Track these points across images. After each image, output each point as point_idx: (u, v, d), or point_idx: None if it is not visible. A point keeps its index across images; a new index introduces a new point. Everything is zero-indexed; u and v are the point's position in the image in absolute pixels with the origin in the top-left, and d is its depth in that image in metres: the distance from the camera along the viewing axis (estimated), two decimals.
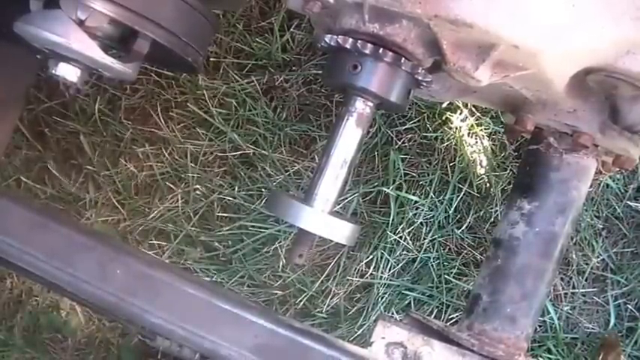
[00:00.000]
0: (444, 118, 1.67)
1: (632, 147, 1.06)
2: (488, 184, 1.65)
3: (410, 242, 1.63)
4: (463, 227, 1.64)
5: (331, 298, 1.63)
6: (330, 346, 0.98)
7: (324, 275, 1.64)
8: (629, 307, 1.64)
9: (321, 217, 0.95)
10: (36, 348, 1.67)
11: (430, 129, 1.66)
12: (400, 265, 1.63)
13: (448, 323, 1.35)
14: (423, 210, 1.63)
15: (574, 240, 1.64)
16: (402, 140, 1.66)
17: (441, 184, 1.65)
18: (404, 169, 1.64)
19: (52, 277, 1.00)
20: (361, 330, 1.60)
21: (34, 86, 1.70)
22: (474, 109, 1.67)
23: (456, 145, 1.66)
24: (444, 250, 1.65)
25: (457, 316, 1.60)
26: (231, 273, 1.64)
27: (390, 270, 1.62)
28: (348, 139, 0.96)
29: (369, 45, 0.90)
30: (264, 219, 1.64)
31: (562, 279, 1.64)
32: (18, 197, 1.15)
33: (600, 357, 1.59)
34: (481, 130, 1.67)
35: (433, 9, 0.85)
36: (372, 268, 1.62)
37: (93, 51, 0.91)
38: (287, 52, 1.70)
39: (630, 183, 1.67)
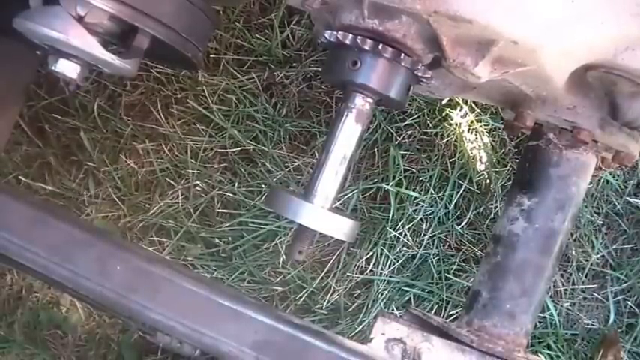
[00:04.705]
0: (444, 114, 1.67)
1: (631, 143, 1.06)
2: (488, 181, 1.65)
3: (410, 238, 1.63)
4: (463, 223, 1.64)
5: (331, 295, 1.63)
6: (329, 342, 0.98)
7: (324, 271, 1.64)
8: (629, 303, 1.64)
9: (321, 214, 0.95)
10: (36, 344, 1.67)
11: (430, 125, 1.66)
12: (400, 262, 1.63)
13: (448, 319, 1.36)
14: (423, 206, 1.64)
15: (574, 236, 1.64)
16: (402, 136, 1.66)
17: (441, 181, 1.65)
18: (404, 166, 1.64)
19: (52, 273, 1.00)
20: (361, 326, 1.60)
21: (34, 82, 1.69)
22: (473, 106, 1.67)
23: (456, 141, 1.66)
24: (443, 246, 1.65)
25: (457, 312, 1.61)
26: (231, 269, 1.64)
27: (390, 266, 1.62)
28: (348, 135, 0.96)
29: (369, 41, 0.90)
30: (264, 215, 1.64)
31: (562, 275, 1.65)
32: (18, 193, 1.15)
33: (600, 353, 1.59)
34: (481, 126, 1.67)
35: (433, 5, 0.85)
36: (372, 264, 1.63)
37: (92, 47, 0.92)
38: (287, 48, 1.70)
39: (630, 179, 1.67)
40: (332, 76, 0.97)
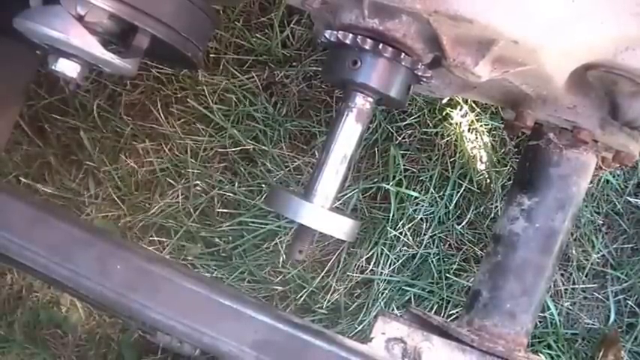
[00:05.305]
0: (444, 113, 1.67)
1: (631, 143, 1.06)
2: (488, 180, 1.65)
3: (410, 238, 1.63)
4: (463, 223, 1.64)
5: (331, 294, 1.63)
6: (330, 341, 0.98)
7: (324, 271, 1.64)
8: (629, 302, 1.64)
9: (321, 213, 0.95)
10: (36, 344, 1.67)
11: (430, 125, 1.66)
12: (400, 261, 1.63)
13: (448, 319, 1.36)
14: (423, 206, 1.63)
15: (574, 236, 1.64)
16: (402, 136, 1.66)
17: (441, 180, 1.65)
18: (404, 165, 1.64)
19: (52, 273, 1.00)
20: (361, 326, 1.60)
21: (34, 82, 1.69)
22: (474, 105, 1.67)
23: (456, 140, 1.66)
24: (444, 245, 1.65)
25: (457, 312, 1.60)
26: (231, 269, 1.64)
27: (390, 266, 1.62)
28: (348, 134, 0.96)
29: (369, 40, 0.90)
30: (264, 215, 1.64)
31: (562, 275, 1.65)
32: (18, 193, 1.15)
33: (600, 353, 1.59)
34: (481, 125, 1.67)
35: (433, 4, 0.85)
36: (372, 264, 1.62)
37: (92, 46, 0.92)
38: (287, 47, 1.70)
39: (630, 179, 1.67)
40: (332, 75, 0.97)
